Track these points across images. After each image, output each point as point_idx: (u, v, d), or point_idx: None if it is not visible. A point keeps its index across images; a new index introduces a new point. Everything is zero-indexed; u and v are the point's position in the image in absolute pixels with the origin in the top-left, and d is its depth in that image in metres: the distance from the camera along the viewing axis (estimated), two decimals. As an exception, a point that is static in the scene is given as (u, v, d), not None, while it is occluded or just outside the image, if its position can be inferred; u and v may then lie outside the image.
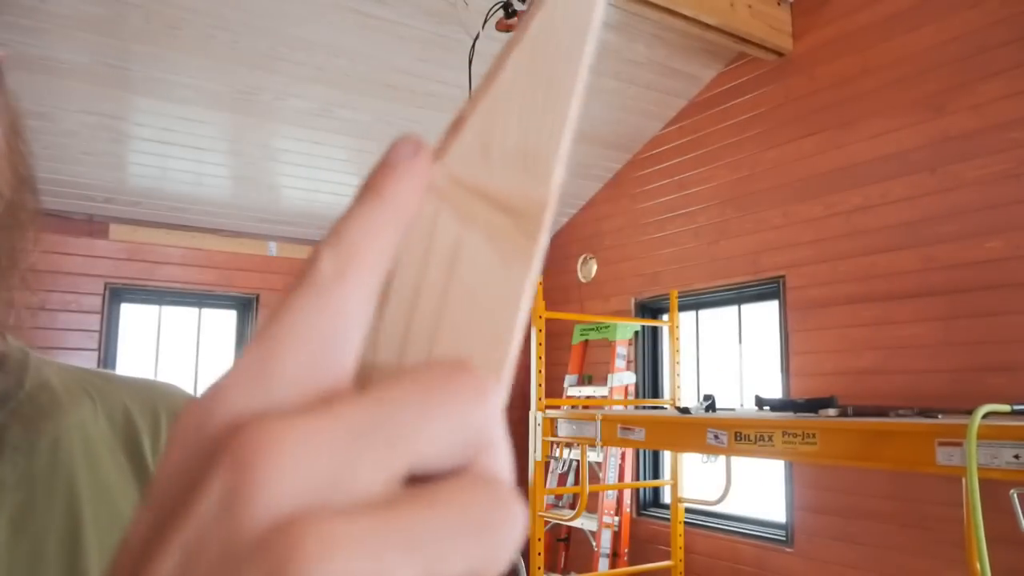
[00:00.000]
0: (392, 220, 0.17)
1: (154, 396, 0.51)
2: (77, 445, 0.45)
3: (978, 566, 1.89)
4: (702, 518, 4.38)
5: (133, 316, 5.17)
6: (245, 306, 5.48)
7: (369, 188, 0.17)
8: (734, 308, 4.52)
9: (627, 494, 4.85)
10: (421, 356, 0.18)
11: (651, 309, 4.98)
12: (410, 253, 0.18)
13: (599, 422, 3.13)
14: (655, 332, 5.04)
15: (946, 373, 3.22)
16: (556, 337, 5.12)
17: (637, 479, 4.86)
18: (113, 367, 4.94)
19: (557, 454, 5.08)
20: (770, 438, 2.50)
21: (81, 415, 0.46)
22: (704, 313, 4.76)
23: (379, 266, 0.17)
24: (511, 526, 0.15)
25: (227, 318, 5.53)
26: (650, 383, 5.02)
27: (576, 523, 4.70)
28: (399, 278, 0.18)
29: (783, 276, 4.01)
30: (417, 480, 0.15)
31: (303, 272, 0.16)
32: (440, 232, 0.18)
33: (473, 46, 3.03)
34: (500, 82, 0.18)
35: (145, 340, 5.22)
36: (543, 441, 3.49)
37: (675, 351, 4.11)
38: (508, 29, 3.12)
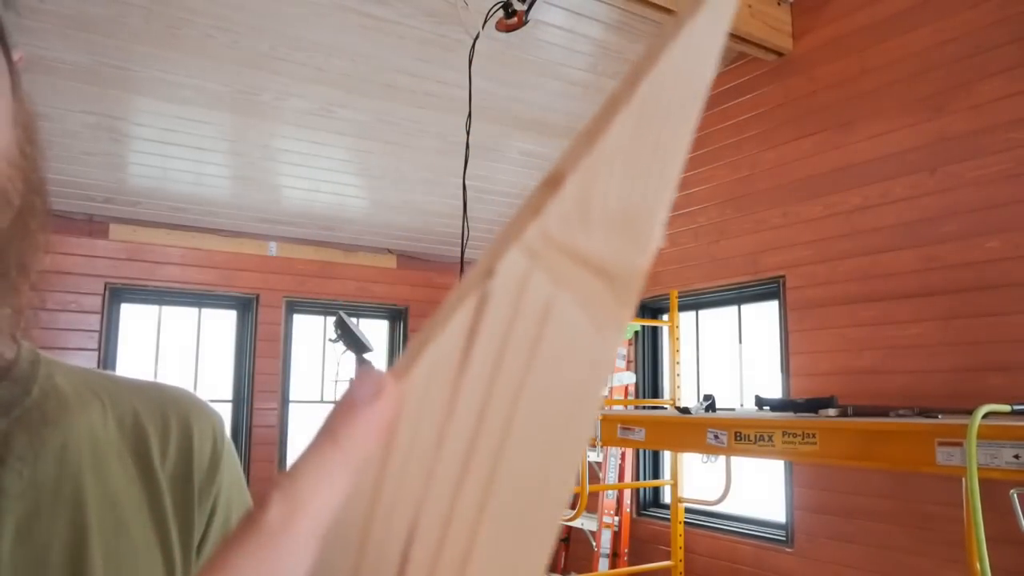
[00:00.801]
0: (343, 465, 0.17)
1: (164, 400, 0.51)
2: (85, 450, 0.44)
3: (978, 566, 1.89)
4: (702, 518, 4.38)
5: (133, 316, 5.17)
6: (245, 306, 5.48)
7: (326, 430, 0.17)
8: (734, 308, 4.53)
9: (627, 494, 4.85)
10: (501, 416, 0.17)
11: (651, 309, 4.98)
12: (498, 309, 0.17)
13: (599, 422, 3.13)
14: (655, 332, 5.04)
15: (946, 373, 3.22)
16: (556, 337, 5.11)
17: (637, 479, 4.86)
18: (113, 367, 4.94)
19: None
20: (770, 438, 2.50)
21: (90, 419, 0.46)
22: (704, 313, 4.76)
23: (324, 513, 0.17)
24: None
25: (227, 318, 5.53)
26: (650, 383, 5.03)
27: (576, 523, 4.70)
28: (483, 338, 0.17)
29: (783, 276, 4.01)
30: None
31: (252, 517, 0.17)
32: (531, 292, 0.17)
33: (473, 46, 3.03)
34: (605, 140, 0.17)
35: (145, 340, 5.22)
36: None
37: (675, 351, 4.11)
38: (508, 29, 3.12)
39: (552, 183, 0.17)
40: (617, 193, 0.17)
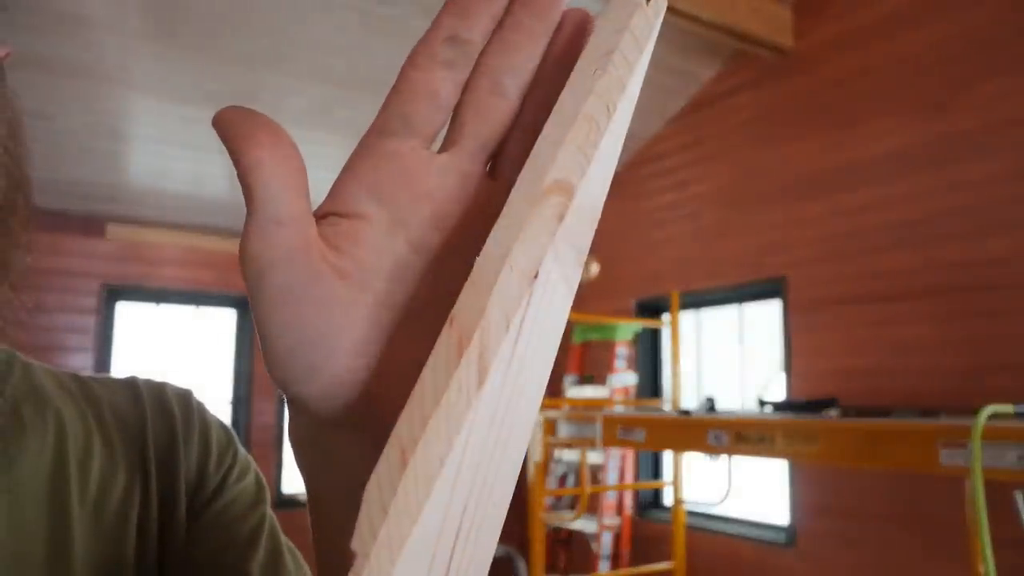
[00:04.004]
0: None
1: (136, 389, 0.51)
2: (65, 447, 0.44)
3: (982, 568, 1.88)
4: (703, 520, 4.37)
5: (131, 316, 5.16)
6: (244, 306, 5.47)
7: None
8: (735, 308, 4.51)
9: (628, 495, 4.84)
10: (512, 402, 0.20)
11: (652, 309, 4.96)
12: (535, 308, 0.20)
13: (600, 423, 3.12)
14: (655, 332, 5.03)
15: (949, 374, 3.21)
16: (556, 337, 5.10)
17: (638, 480, 4.85)
18: (110, 367, 4.93)
19: (557, 455, 5.07)
20: (771, 439, 2.49)
21: (68, 416, 0.46)
22: (705, 313, 4.75)
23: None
24: None
25: (226, 318, 5.52)
26: (651, 384, 5.01)
27: (577, 525, 4.69)
28: (523, 336, 0.20)
29: (785, 276, 4.00)
30: None
31: None
32: (552, 282, 0.21)
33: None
34: (597, 155, 0.22)
35: (143, 340, 5.21)
36: (543, 442, 3.48)
37: (676, 352, 4.10)
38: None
39: (564, 191, 0.21)
40: (596, 191, 0.22)
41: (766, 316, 4.25)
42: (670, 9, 3.58)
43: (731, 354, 4.54)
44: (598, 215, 0.23)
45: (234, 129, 0.20)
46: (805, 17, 4.03)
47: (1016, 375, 2.98)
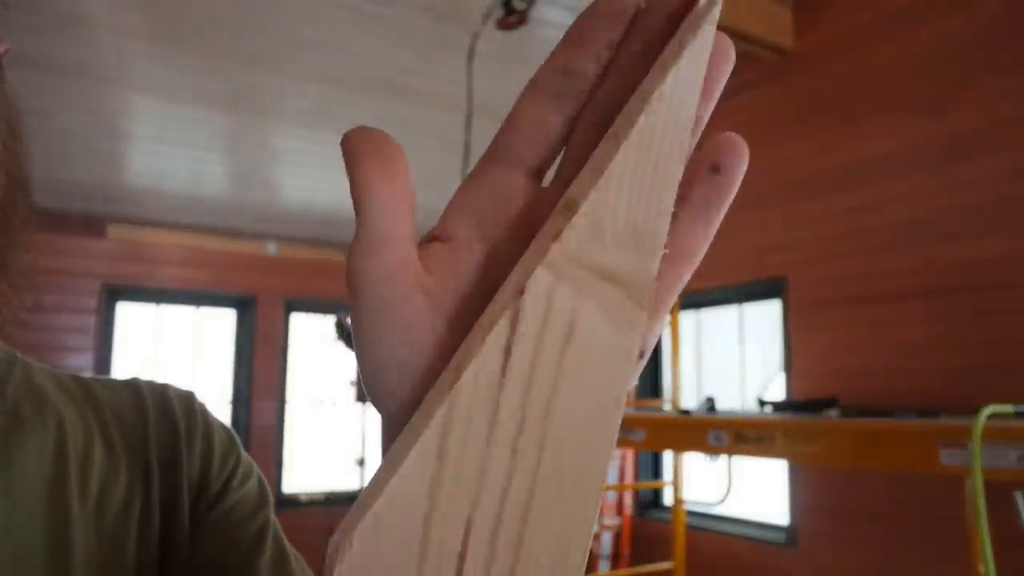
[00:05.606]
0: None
1: (138, 390, 0.51)
2: (66, 448, 0.44)
3: (982, 568, 1.88)
4: (703, 520, 4.37)
5: (131, 316, 5.16)
6: (244, 306, 5.47)
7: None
8: (735, 308, 4.51)
9: (628, 495, 4.84)
10: (539, 413, 0.20)
11: (651, 309, 4.96)
12: (528, 325, 0.20)
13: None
14: (655, 332, 5.02)
15: (949, 373, 3.21)
16: (556, 337, 5.10)
17: (638, 480, 4.84)
18: (110, 367, 4.93)
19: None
20: (771, 439, 2.49)
21: (69, 417, 0.46)
22: (705, 313, 4.75)
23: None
24: None
25: (226, 318, 5.52)
26: (650, 383, 5.01)
27: (576, 524, 4.68)
28: (518, 347, 0.20)
29: (785, 276, 4.00)
30: None
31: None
32: (557, 303, 0.20)
33: (473, 45, 3.02)
34: (611, 170, 0.21)
35: (143, 340, 5.21)
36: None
37: (676, 351, 4.10)
38: (508, 27, 3.11)
39: (567, 207, 0.21)
40: (624, 212, 0.21)
41: (766, 316, 4.25)
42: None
43: (731, 354, 4.54)
44: (645, 238, 0.21)
45: (352, 146, 0.22)
46: (805, 17, 4.03)
47: (1016, 375, 2.98)
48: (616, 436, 0.21)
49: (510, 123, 0.24)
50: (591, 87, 0.23)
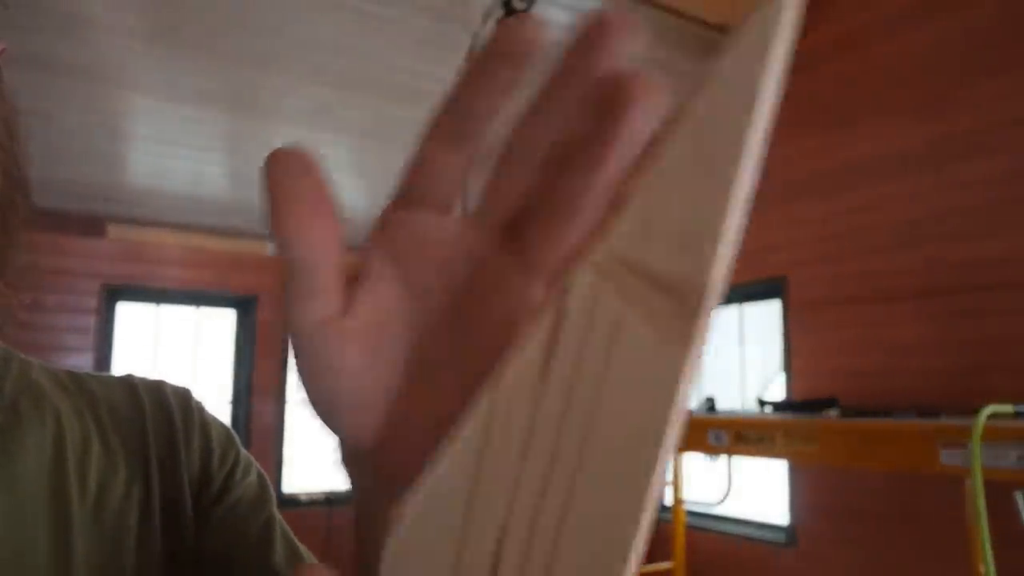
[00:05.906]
0: None
1: (134, 387, 0.51)
2: (64, 444, 0.44)
3: (982, 568, 1.88)
4: (703, 520, 4.36)
5: (131, 316, 5.16)
6: (244, 306, 5.47)
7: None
8: (735, 308, 4.51)
9: (627, 495, 4.84)
10: (578, 433, 0.19)
11: (651, 309, 4.96)
12: (573, 327, 0.19)
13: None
14: (655, 332, 5.03)
15: (949, 373, 3.21)
16: (556, 337, 5.10)
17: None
18: (110, 367, 4.93)
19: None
20: (771, 439, 2.49)
21: (66, 413, 0.46)
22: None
23: None
24: None
25: (226, 318, 5.52)
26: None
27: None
28: (561, 351, 0.19)
29: (785, 276, 4.00)
30: None
31: None
32: (602, 307, 0.19)
33: (473, 45, 3.02)
34: (663, 162, 0.18)
35: (143, 340, 5.21)
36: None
37: (676, 351, 4.10)
38: (508, 28, 3.11)
39: (615, 203, 0.19)
40: (677, 212, 0.18)
41: (766, 316, 4.25)
42: (670, 10, 3.59)
43: (731, 354, 4.54)
44: (702, 242, 0.19)
45: (277, 188, 0.21)
46: (805, 17, 4.02)
47: (1016, 375, 2.98)
48: (661, 453, 0.19)
49: (412, 161, 0.24)
50: (490, 124, 0.23)
